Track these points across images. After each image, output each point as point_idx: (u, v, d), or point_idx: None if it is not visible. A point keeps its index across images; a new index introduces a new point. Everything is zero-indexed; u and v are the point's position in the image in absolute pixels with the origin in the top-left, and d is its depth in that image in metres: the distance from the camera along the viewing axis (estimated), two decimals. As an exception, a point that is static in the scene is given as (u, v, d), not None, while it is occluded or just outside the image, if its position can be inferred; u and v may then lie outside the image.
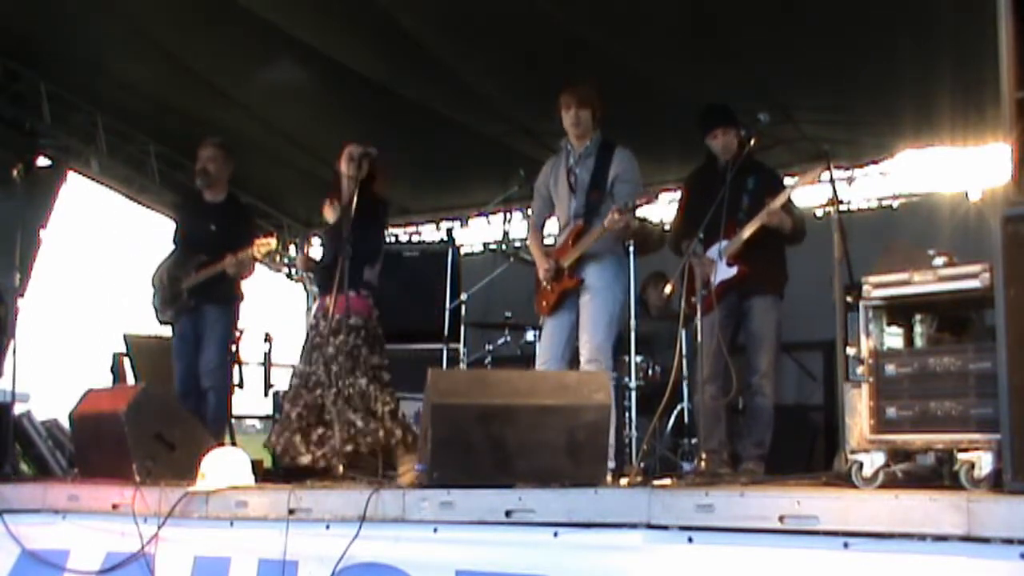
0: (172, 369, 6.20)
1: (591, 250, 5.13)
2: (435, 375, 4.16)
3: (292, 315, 11.07)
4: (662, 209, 8.67)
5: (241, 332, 7.22)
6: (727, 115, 5.41)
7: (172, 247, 6.35)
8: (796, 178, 5.57)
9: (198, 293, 6.08)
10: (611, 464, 4.48)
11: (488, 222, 10.03)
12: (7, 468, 5.41)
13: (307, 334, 5.54)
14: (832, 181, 4.98)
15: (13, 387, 5.56)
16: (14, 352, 5.57)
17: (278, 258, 5.98)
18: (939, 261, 3.47)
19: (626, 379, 5.97)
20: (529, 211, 9.37)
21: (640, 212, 5.28)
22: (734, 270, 5.24)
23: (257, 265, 6.21)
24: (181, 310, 6.13)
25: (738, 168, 5.10)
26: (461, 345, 7.07)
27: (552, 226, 5.67)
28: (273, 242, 5.94)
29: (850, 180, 8.18)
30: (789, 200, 5.26)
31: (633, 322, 5.98)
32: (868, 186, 8.21)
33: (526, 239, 9.39)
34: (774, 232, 5.22)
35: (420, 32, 6.94)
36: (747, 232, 5.18)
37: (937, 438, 3.37)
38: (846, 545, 3.10)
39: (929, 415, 3.38)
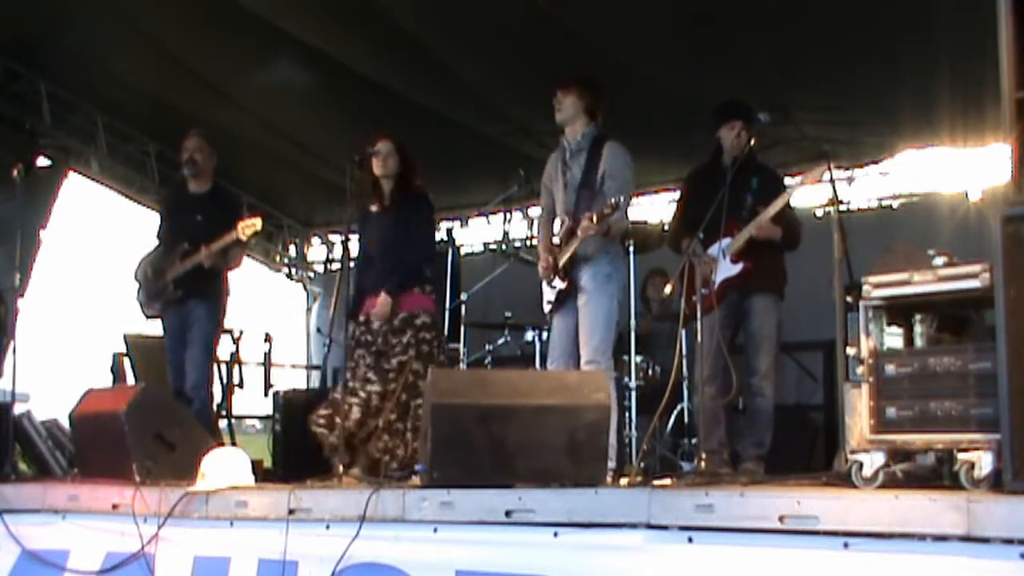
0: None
1: (583, 251, 5.02)
2: (435, 375, 4.17)
3: (292, 315, 11.12)
4: (661, 208, 8.69)
5: (241, 333, 7.24)
6: (748, 112, 5.34)
7: (156, 242, 6.22)
8: (796, 181, 5.54)
9: (184, 285, 5.95)
10: (611, 464, 4.47)
11: (488, 222, 10.05)
12: (7, 468, 5.40)
13: (351, 331, 5.33)
14: (832, 181, 4.95)
15: (13, 387, 5.54)
16: (14, 352, 5.56)
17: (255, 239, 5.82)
18: (939, 261, 3.47)
19: (626, 379, 5.98)
20: (529, 211, 9.49)
21: (636, 211, 5.21)
22: (739, 267, 5.19)
23: (246, 256, 6.08)
24: (168, 303, 6.01)
25: (741, 168, 5.08)
26: (461, 345, 7.06)
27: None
28: (258, 222, 5.83)
29: (850, 180, 8.19)
30: (789, 207, 5.24)
31: (633, 322, 5.98)
32: (868, 186, 8.23)
33: (526, 239, 9.48)
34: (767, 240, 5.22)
35: (420, 32, 6.94)
36: (742, 239, 5.16)
37: (937, 438, 3.36)
38: (846, 545, 3.10)
39: (929, 415, 3.37)
